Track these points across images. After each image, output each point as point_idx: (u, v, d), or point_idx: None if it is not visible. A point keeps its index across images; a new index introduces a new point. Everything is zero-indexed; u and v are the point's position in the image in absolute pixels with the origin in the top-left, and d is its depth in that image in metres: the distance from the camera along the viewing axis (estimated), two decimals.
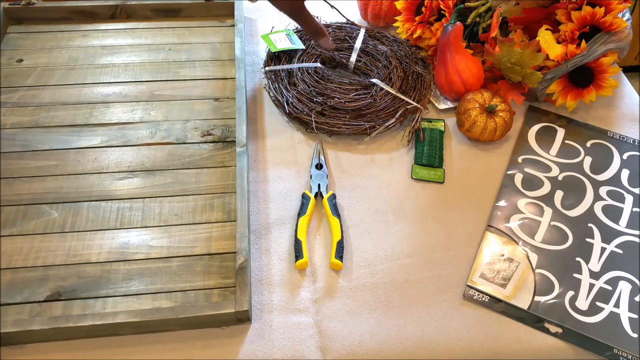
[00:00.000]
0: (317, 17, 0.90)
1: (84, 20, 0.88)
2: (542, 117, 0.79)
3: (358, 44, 0.84)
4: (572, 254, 0.64)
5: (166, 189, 0.67)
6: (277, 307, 0.59)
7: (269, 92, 0.79)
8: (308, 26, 0.69)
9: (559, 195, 0.70)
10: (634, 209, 0.69)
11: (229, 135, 0.73)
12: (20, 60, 0.81)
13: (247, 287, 0.56)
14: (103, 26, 0.88)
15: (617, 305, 0.60)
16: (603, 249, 0.65)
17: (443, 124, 0.77)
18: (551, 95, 0.78)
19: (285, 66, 0.81)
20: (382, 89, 0.78)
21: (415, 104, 0.77)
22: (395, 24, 0.86)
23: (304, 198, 0.67)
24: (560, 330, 0.58)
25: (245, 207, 0.63)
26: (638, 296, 0.61)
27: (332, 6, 0.90)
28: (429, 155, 0.73)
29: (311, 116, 0.74)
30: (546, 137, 0.77)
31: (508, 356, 0.57)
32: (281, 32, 0.85)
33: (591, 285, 0.61)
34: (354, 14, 0.92)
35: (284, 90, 0.78)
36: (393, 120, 0.75)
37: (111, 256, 0.61)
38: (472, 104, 0.74)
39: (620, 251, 0.65)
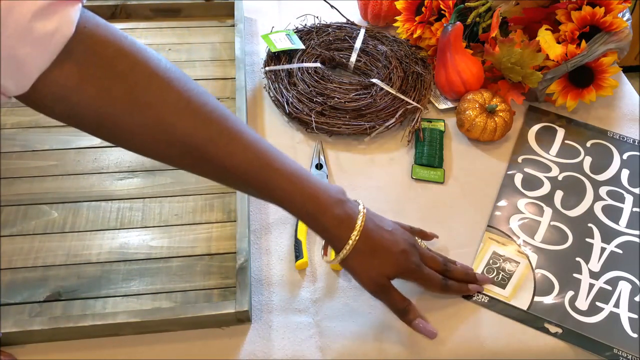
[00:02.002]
0: (317, 17, 0.90)
1: None
2: (542, 117, 0.79)
3: (358, 44, 0.84)
4: (572, 254, 0.64)
5: (166, 189, 0.67)
6: (277, 307, 0.59)
7: (269, 92, 0.79)
8: (393, 306, 0.55)
9: (559, 195, 0.70)
10: (634, 209, 0.69)
11: None
12: None
13: (247, 287, 0.56)
14: None
15: (617, 305, 0.60)
16: (603, 249, 0.65)
17: (443, 124, 0.77)
18: (551, 95, 0.78)
19: (285, 66, 0.81)
20: (382, 89, 0.78)
21: (415, 104, 0.77)
22: (395, 24, 0.86)
23: None
24: (560, 330, 0.58)
25: (245, 207, 0.63)
26: (638, 296, 0.61)
27: (332, 6, 0.90)
28: (429, 155, 0.73)
29: (311, 116, 0.74)
30: (546, 137, 0.77)
31: (508, 356, 0.57)
32: (281, 32, 0.85)
33: (591, 285, 0.61)
34: (354, 14, 0.92)
35: (284, 90, 0.78)
36: (393, 120, 0.75)
37: (111, 256, 0.61)
38: (472, 104, 0.74)
39: (620, 251, 0.65)
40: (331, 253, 0.61)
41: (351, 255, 0.51)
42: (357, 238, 0.51)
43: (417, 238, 0.59)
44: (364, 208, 0.53)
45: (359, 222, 0.51)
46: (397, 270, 0.53)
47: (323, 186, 0.51)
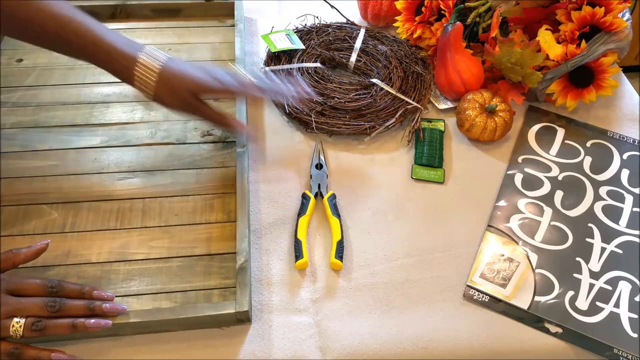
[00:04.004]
0: (317, 17, 0.90)
1: None
2: (542, 117, 0.79)
3: (358, 44, 0.84)
4: (572, 254, 0.64)
5: (166, 189, 0.67)
6: (277, 307, 0.59)
7: None
8: (209, 118, 0.64)
9: (559, 195, 0.70)
10: (634, 209, 0.69)
11: (229, 136, 0.73)
12: (20, 60, 0.81)
13: (247, 288, 0.56)
14: None
15: (617, 305, 0.60)
16: (603, 249, 0.65)
17: (443, 124, 0.77)
18: (551, 95, 0.78)
19: (285, 66, 0.81)
20: (382, 89, 0.78)
21: (415, 104, 0.77)
22: (395, 24, 0.86)
23: (304, 198, 0.67)
24: (560, 330, 0.58)
25: (245, 207, 0.63)
26: (638, 296, 0.61)
27: (332, 6, 0.90)
28: (429, 155, 0.73)
29: (311, 116, 0.74)
30: (546, 137, 0.77)
31: (508, 356, 0.57)
32: (281, 32, 0.85)
33: (591, 285, 0.61)
34: (354, 14, 0.92)
35: None
36: (393, 120, 0.75)
37: (111, 256, 0.61)
38: (472, 104, 0.74)
39: (620, 251, 0.65)
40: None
41: (157, 90, 0.59)
42: (158, 73, 0.58)
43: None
44: (164, 55, 0.60)
45: (157, 64, 0.59)
46: (199, 85, 0.60)
47: (122, 40, 0.59)
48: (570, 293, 0.61)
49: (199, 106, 0.62)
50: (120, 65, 0.59)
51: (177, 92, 0.60)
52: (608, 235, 0.66)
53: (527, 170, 0.72)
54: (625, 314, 0.59)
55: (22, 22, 0.57)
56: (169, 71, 0.59)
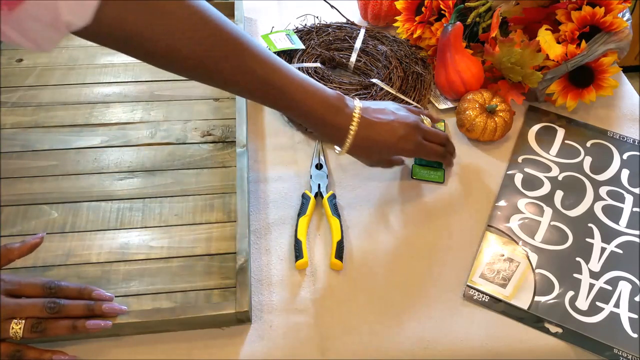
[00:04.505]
0: (317, 17, 0.90)
1: None
2: (542, 117, 0.79)
3: (358, 44, 0.84)
4: (572, 254, 0.64)
5: (166, 189, 0.67)
6: (277, 307, 0.59)
7: None
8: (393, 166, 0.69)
9: (559, 195, 0.70)
10: (634, 209, 0.69)
11: (229, 136, 0.73)
12: (20, 60, 0.81)
13: (247, 288, 0.56)
14: None
15: (617, 305, 0.60)
16: (603, 249, 0.65)
17: (443, 124, 0.77)
18: (551, 95, 0.78)
19: None
20: (382, 88, 0.78)
21: (415, 104, 0.77)
22: (395, 24, 0.86)
23: (304, 198, 0.67)
24: (560, 330, 0.58)
25: (245, 207, 0.63)
26: (638, 296, 0.61)
27: (332, 6, 0.90)
28: None
29: None
30: (546, 137, 0.77)
31: (508, 356, 0.57)
32: (281, 32, 0.85)
33: (591, 285, 0.61)
34: (354, 14, 0.92)
35: None
36: None
37: (111, 256, 0.61)
38: (472, 104, 0.74)
39: (620, 251, 0.65)
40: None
41: (353, 147, 0.61)
42: (355, 130, 0.59)
43: (423, 117, 0.67)
44: (360, 103, 0.60)
45: (356, 115, 0.59)
46: (397, 153, 0.64)
47: (322, 88, 0.58)
48: (570, 293, 0.61)
49: (386, 163, 0.66)
50: (330, 132, 0.60)
51: (369, 156, 0.64)
52: (608, 235, 0.66)
53: (527, 170, 0.72)
54: (625, 314, 0.59)
55: (228, 82, 0.55)
56: (367, 131, 0.60)
